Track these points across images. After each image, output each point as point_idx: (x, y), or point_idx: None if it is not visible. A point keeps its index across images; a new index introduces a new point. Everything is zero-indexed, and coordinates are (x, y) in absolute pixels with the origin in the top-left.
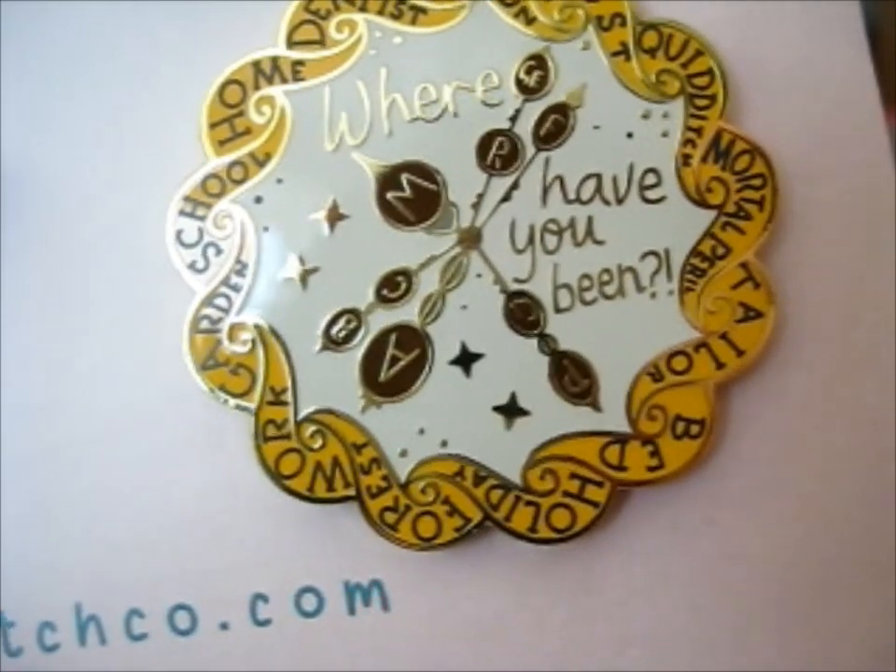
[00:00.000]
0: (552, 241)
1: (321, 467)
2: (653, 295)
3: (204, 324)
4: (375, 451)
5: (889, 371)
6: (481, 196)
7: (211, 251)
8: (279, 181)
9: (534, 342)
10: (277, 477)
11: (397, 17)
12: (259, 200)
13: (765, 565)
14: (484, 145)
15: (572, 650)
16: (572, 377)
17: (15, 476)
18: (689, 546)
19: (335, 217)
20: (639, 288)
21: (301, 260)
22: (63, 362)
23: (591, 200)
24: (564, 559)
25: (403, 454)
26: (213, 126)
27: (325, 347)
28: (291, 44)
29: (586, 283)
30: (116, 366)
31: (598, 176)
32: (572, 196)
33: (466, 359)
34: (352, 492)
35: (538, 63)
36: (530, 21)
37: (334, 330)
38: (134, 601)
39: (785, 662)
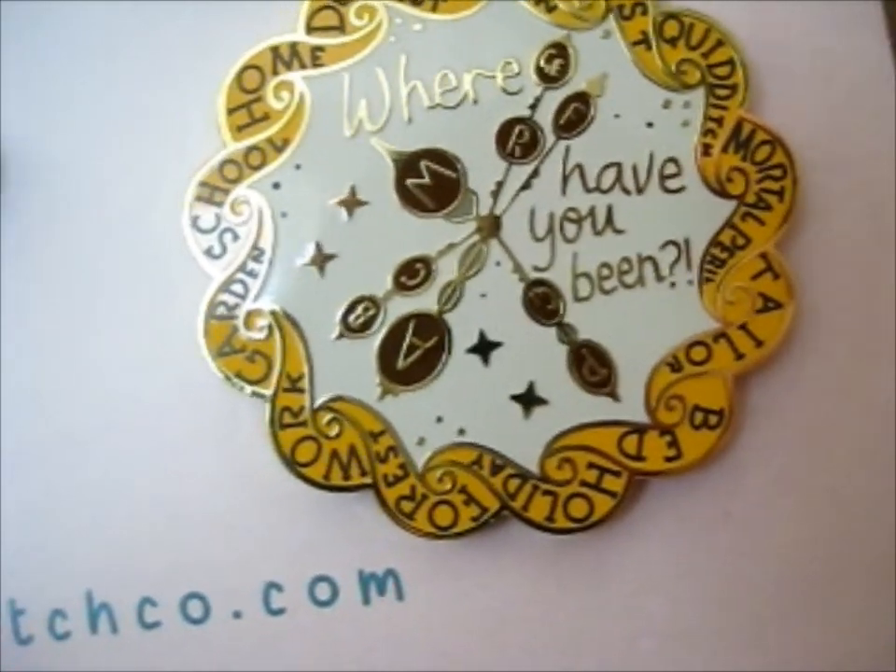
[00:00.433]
0: (571, 229)
1: (337, 455)
2: (673, 285)
3: (220, 310)
4: (392, 439)
5: None
6: (500, 184)
7: (228, 237)
8: (297, 167)
9: (553, 330)
10: (293, 465)
11: (417, 3)
12: (276, 186)
13: (782, 557)
14: (504, 132)
15: (587, 640)
16: (591, 366)
17: (27, 463)
18: (705, 538)
19: (354, 203)
20: (659, 278)
21: (319, 247)
22: (76, 349)
23: (611, 189)
24: (579, 549)
25: (420, 442)
26: (231, 111)
27: (342, 334)
28: (310, 29)
29: (606, 272)
30: (130, 352)
31: (618, 165)
32: (592, 185)
33: (484, 348)
34: (368, 480)
35: (558, 51)
36: (551, 8)
37: (352, 318)
38: (147, 589)
39: (801, 654)
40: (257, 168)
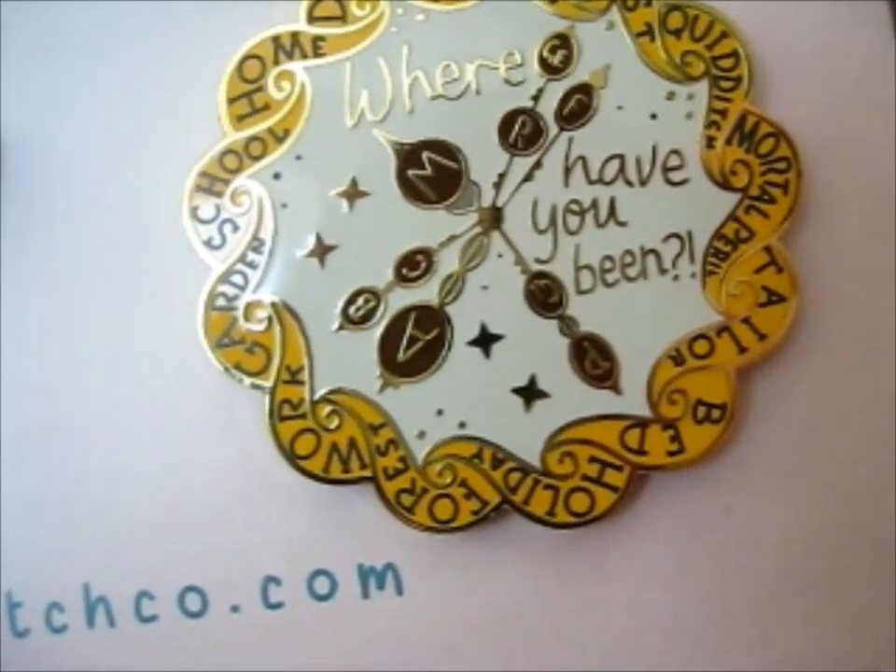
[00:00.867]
0: (574, 221)
1: (337, 447)
2: (676, 278)
3: (220, 301)
4: (392, 432)
5: None
6: (502, 175)
7: (228, 227)
8: (298, 157)
9: (555, 323)
10: (292, 457)
11: None
12: (277, 176)
13: (783, 552)
14: (507, 124)
15: (588, 635)
16: (593, 360)
17: (25, 455)
18: (707, 532)
19: (355, 194)
20: (662, 271)
21: (320, 238)
22: (74, 339)
23: (614, 181)
24: (580, 544)
25: (421, 435)
26: (231, 101)
27: (342, 326)
28: (312, 19)
29: (608, 264)
30: (129, 343)
31: (621, 157)
32: (595, 177)
33: (485, 340)
34: (368, 473)
35: (561, 42)
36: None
37: (352, 309)
38: (144, 583)
39: (803, 648)
40: (257, 158)
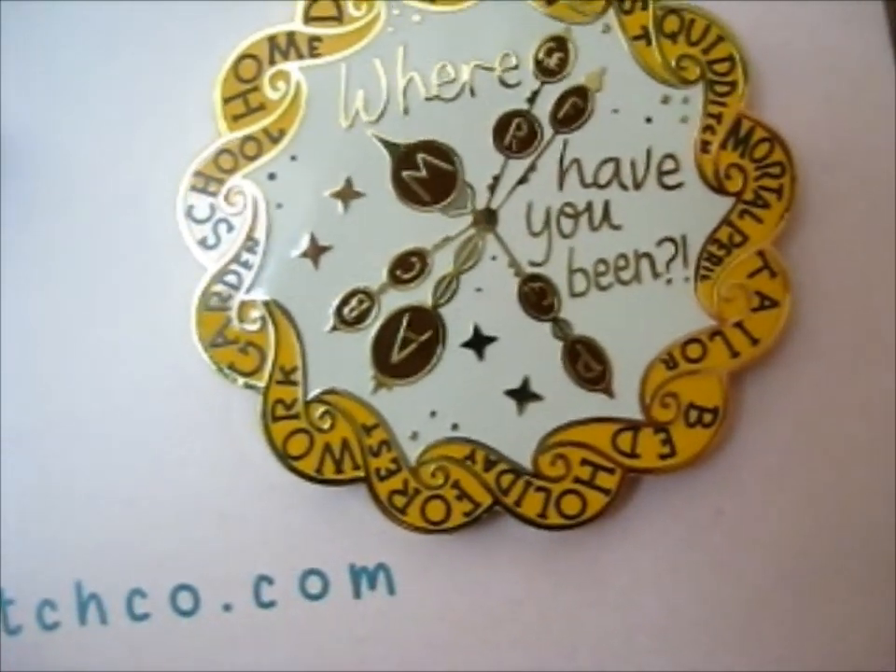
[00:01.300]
0: (568, 225)
1: (330, 448)
2: (669, 282)
3: (214, 301)
4: (385, 433)
5: None
6: (497, 178)
7: (222, 227)
8: (293, 158)
9: (548, 326)
10: (285, 457)
11: None
12: (272, 176)
13: (775, 555)
14: (502, 126)
15: (579, 637)
16: (586, 363)
17: (17, 451)
18: (698, 535)
19: (349, 195)
20: (655, 275)
21: (314, 239)
22: (67, 337)
23: (608, 184)
24: (572, 546)
25: (414, 436)
26: (227, 101)
27: (336, 327)
28: (308, 19)
29: (602, 268)
30: (121, 342)
31: (616, 161)
32: (589, 180)
33: (479, 342)
34: (361, 474)
35: (557, 44)
36: (550, 1)
37: (346, 310)
38: (137, 580)
39: (794, 652)
40: (252, 158)
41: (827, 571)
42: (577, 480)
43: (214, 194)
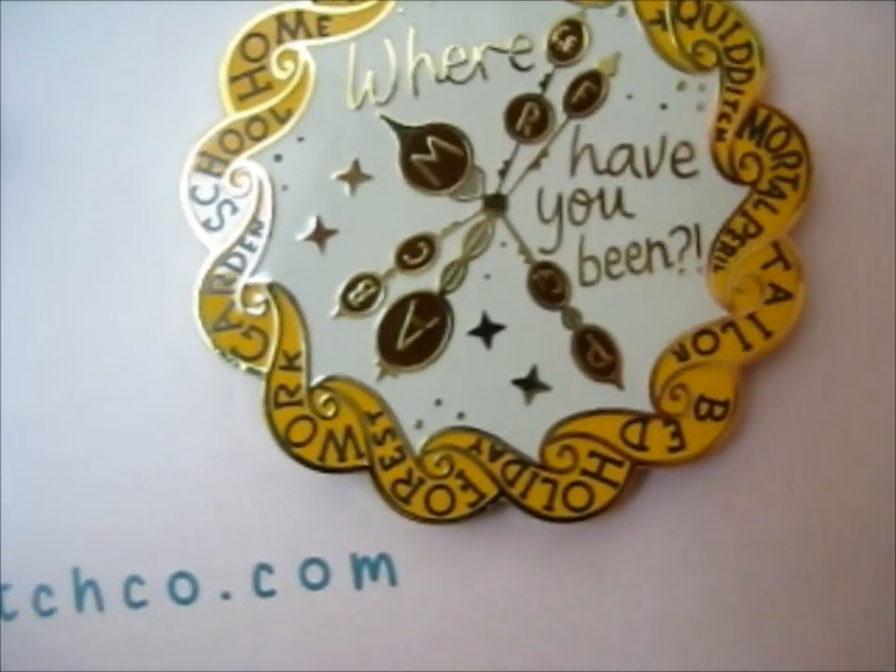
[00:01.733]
0: (579, 212)
1: (333, 435)
2: (682, 271)
3: (217, 284)
4: (390, 421)
5: None
6: (508, 163)
7: (227, 209)
8: (300, 139)
9: (557, 314)
10: (288, 444)
11: None
12: (278, 158)
13: (782, 551)
14: (514, 110)
15: (583, 630)
16: (595, 352)
17: (17, 436)
18: (705, 529)
19: (357, 177)
20: (667, 264)
21: (320, 222)
22: (68, 320)
23: (621, 171)
24: (577, 538)
25: (419, 425)
26: (233, 80)
27: (341, 312)
28: None
29: (613, 256)
30: (123, 325)
31: (630, 147)
32: (602, 166)
33: (487, 330)
34: (364, 462)
35: (572, 28)
36: None
37: (352, 295)
38: (134, 567)
39: (798, 648)
40: (258, 139)
41: (835, 569)
42: (584, 472)
43: (218, 175)
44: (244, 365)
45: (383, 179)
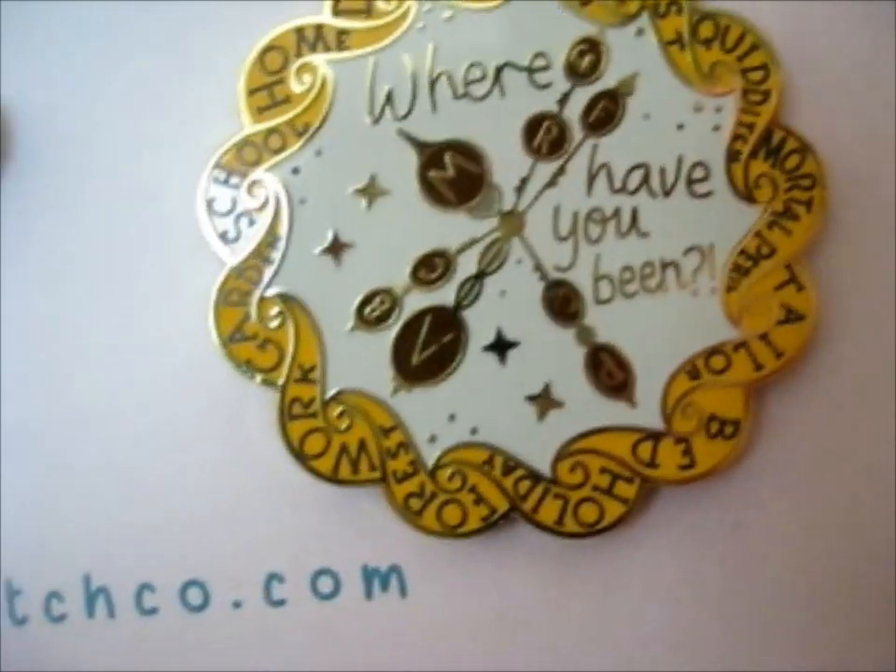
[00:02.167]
0: (595, 230)
1: (347, 448)
2: (695, 292)
3: (233, 296)
4: (403, 435)
5: None
6: (525, 180)
7: (243, 221)
8: (318, 153)
9: (572, 332)
10: (301, 457)
11: None
12: (296, 171)
13: (789, 570)
14: (532, 127)
15: (590, 645)
16: (609, 370)
17: (31, 443)
18: (713, 547)
19: (374, 192)
20: (681, 284)
21: (337, 236)
22: (82, 329)
23: (637, 190)
24: (586, 554)
25: (432, 439)
26: (252, 92)
27: (357, 326)
28: (337, 12)
29: (628, 275)
30: (137, 334)
31: (646, 167)
32: (618, 185)
33: (501, 346)
34: (377, 475)
35: (590, 46)
36: (585, 2)
37: (367, 310)
38: (146, 575)
39: (806, 665)
40: (276, 152)
41: (840, 587)
42: (595, 488)
43: (236, 187)
44: (258, 377)
45: (400, 194)
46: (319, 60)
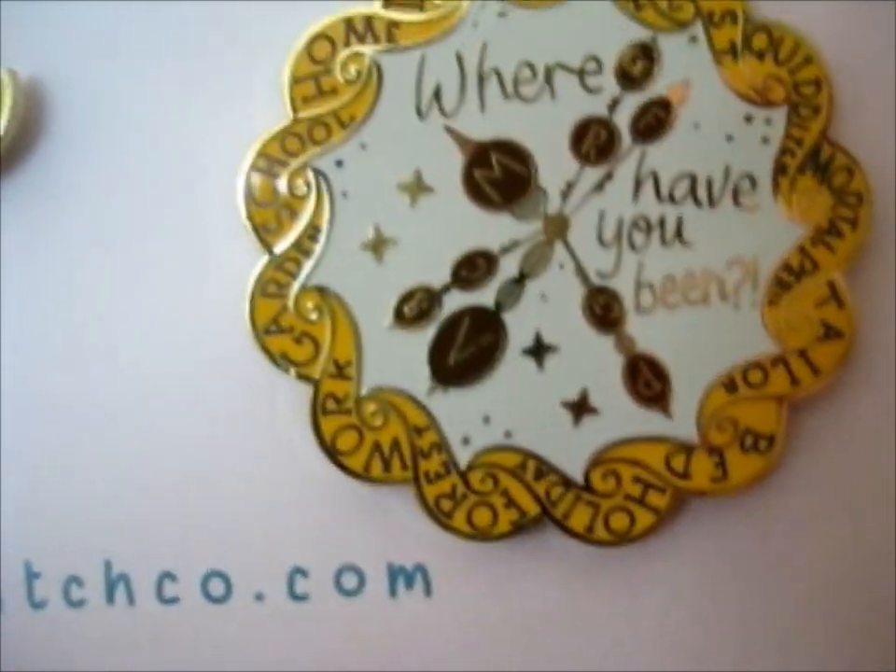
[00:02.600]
0: (639, 238)
1: (379, 446)
2: (736, 304)
3: (270, 287)
4: (437, 435)
5: None
6: (571, 184)
7: (284, 212)
8: (363, 146)
9: (611, 339)
10: (333, 453)
11: None
12: (339, 163)
13: (815, 585)
14: (580, 131)
15: (613, 652)
16: (646, 380)
17: (60, 426)
18: (740, 559)
19: (418, 189)
20: (723, 297)
21: (378, 231)
22: (115, 312)
23: (683, 200)
24: (613, 561)
25: (465, 441)
26: (297, 81)
27: (395, 324)
28: (387, 3)
29: (670, 285)
30: (171, 321)
31: (693, 177)
32: (665, 194)
33: (539, 350)
34: (409, 475)
35: (642, 52)
36: (639, 6)
37: (407, 307)
38: (168, 563)
39: None
40: (319, 143)
41: (866, 604)
42: (627, 496)
43: (277, 177)
44: (293, 370)
45: (444, 192)
46: (368, 51)
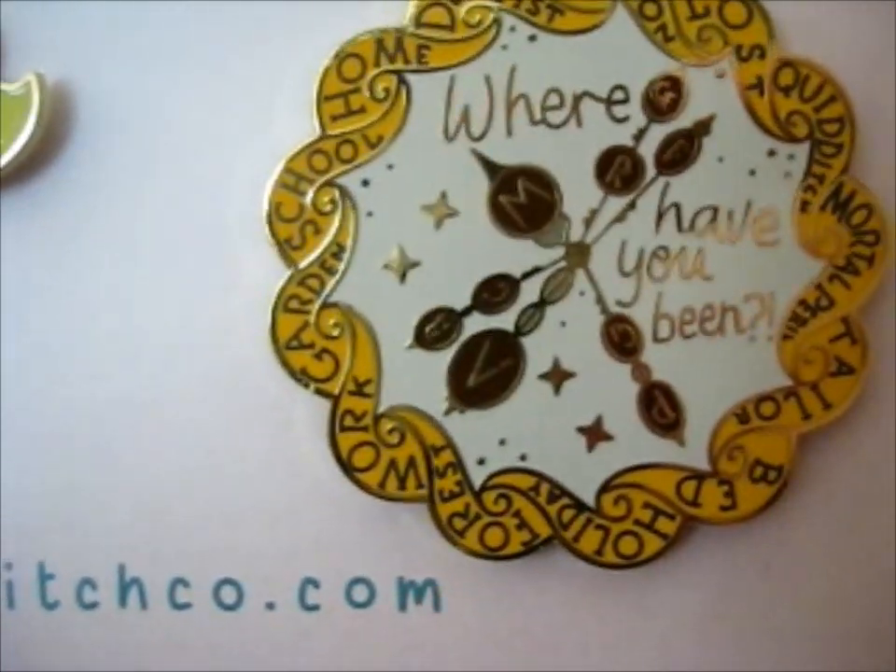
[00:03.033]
0: (659, 268)
1: (395, 464)
2: (752, 338)
3: (293, 303)
4: (453, 455)
5: None
6: (594, 212)
7: (309, 229)
8: (389, 167)
9: (628, 367)
10: (349, 469)
11: (533, 13)
12: (366, 183)
13: (817, 615)
14: (606, 160)
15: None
16: (661, 408)
17: (77, 429)
18: (744, 586)
19: (443, 211)
20: (739, 329)
21: (402, 251)
22: (135, 321)
23: (704, 232)
24: (619, 584)
25: (481, 462)
26: (327, 99)
27: (415, 344)
28: (419, 24)
29: (688, 316)
30: (190, 332)
31: (715, 209)
32: (686, 225)
33: (557, 376)
34: (424, 493)
35: (670, 84)
36: (668, 38)
37: (427, 328)
38: (182, 570)
39: None
40: (347, 162)
41: (867, 636)
42: (637, 522)
43: (303, 194)
44: (313, 385)
45: (468, 215)
46: (398, 71)
